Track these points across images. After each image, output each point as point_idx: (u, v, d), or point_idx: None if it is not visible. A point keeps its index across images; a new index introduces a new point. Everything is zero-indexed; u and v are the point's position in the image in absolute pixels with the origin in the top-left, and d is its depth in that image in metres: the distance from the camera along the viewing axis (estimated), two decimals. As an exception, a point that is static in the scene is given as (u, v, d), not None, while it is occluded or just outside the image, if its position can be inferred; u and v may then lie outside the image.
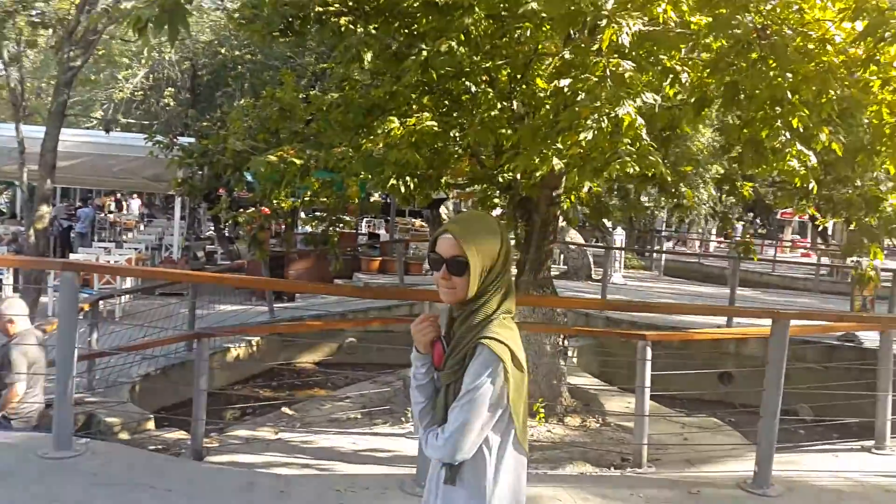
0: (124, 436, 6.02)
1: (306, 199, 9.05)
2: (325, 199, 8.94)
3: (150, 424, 6.17)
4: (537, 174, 5.80)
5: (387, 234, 16.75)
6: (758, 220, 28.36)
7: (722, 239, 24.96)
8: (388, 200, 16.65)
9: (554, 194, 6.96)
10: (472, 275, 1.66)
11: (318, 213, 11.33)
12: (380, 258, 13.89)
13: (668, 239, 25.00)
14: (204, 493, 3.44)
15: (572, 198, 7.97)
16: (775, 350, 3.92)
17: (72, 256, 11.50)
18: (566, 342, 6.53)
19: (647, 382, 4.87)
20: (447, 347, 1.73)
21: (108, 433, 5.84)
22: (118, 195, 21.92)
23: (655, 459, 4.94)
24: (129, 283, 10.43)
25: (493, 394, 1.62)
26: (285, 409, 6.75)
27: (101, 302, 7.69)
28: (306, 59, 15.86)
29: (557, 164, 5.13)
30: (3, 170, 15.85)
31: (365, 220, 21.95)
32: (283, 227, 13.96)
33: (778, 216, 29.05)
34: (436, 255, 1.71)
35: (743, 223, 23.83)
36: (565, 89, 4.93)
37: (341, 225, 9.72)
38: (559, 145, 5.28)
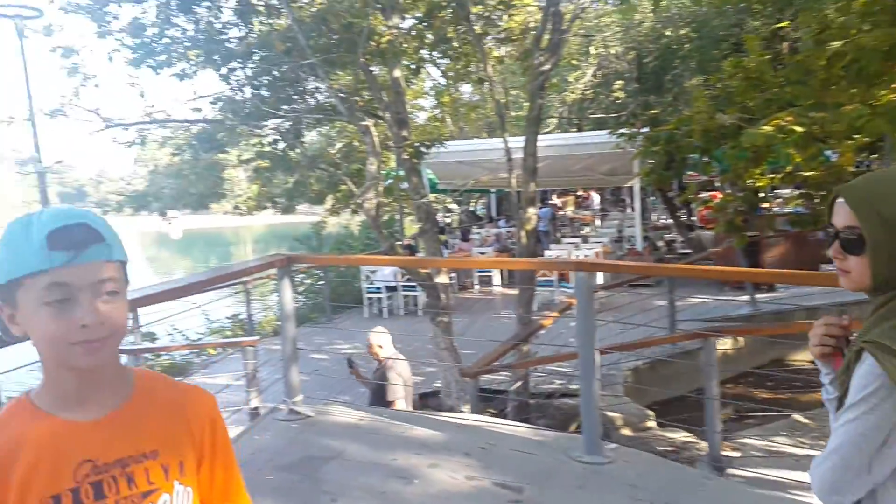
0: (627, 432, 5.94)
1: (786, 174, 7.98)
2: (808, 173, 7.75)
3: (651, 422, 5.98)
4: None
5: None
6: None
7: None
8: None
9: None
10: (873, 255, 1.21)
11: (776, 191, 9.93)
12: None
13: None
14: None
15: None
16: None
17: (546, 253, 12.37)
18: None
19: None
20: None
21: (612, 429, 5.82)
22: (580, 192, 23.31)
23: None
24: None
25: (875, 420, 1.17)
26: (797, 416, 5.86)
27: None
28: (753, 24, 14.41)
29: None
30: (482, 180, 18.15)
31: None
32: (742, 209, 12.81)
33: None
34: (831, 226, 1.29)
35: None
36: None
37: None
38: None
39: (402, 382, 5.30)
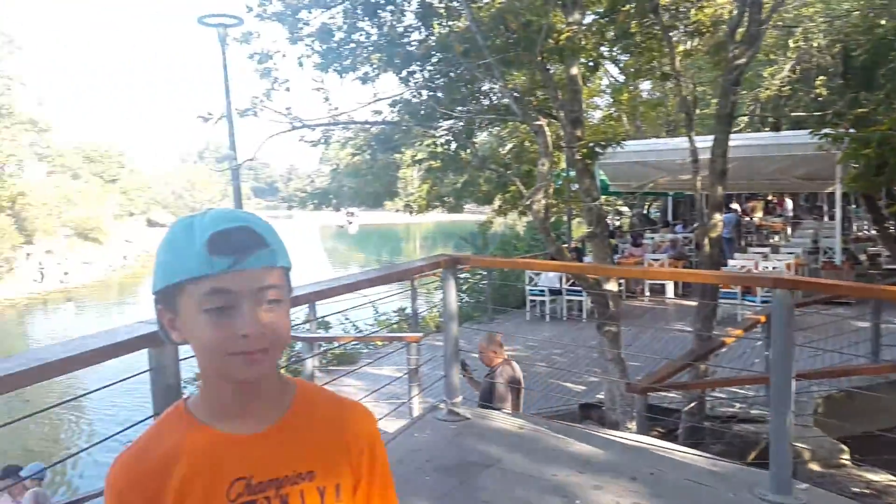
0: (815, 468, 5.31)
1: None
2: None
3: (845, 459, 5.29)
4: None
5: None
6: None
7: None
8: None
9: None
10: None
11: None
12: None
13: None
14: None
15: None
16: None
17: (729, 263, 11.50)
18: None
19: None
20: None
21: (799, 463, 5.21)
22: (771, 196, 21.47)
23: None
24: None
25: None
26: None
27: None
28: None
29: None
30: (659, 182, 17.29)
31: None
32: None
33: None
34: None
35: None
36: None
37: None
38: None
39: (508, 389, 5.26)
